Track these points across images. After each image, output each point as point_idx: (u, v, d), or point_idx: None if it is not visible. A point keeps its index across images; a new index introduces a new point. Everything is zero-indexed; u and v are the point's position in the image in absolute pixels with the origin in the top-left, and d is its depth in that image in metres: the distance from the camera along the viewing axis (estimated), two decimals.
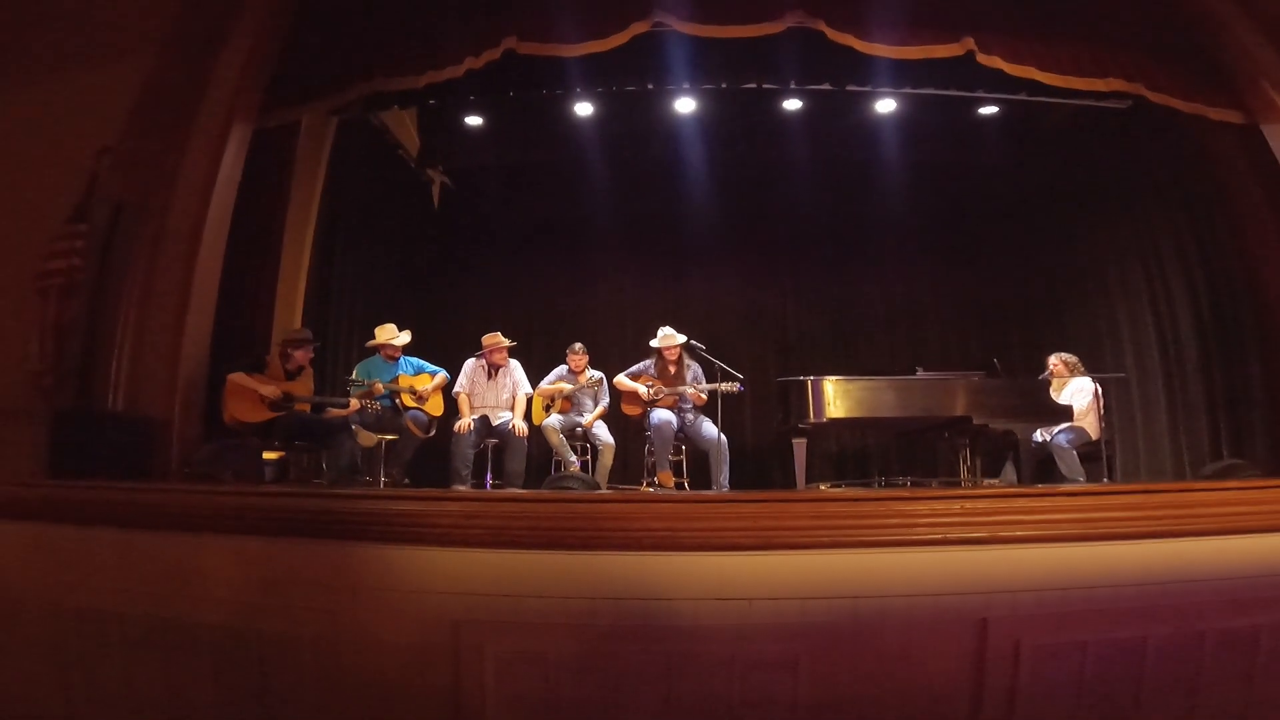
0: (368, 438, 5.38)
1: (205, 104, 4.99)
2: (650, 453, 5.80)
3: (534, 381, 5.91)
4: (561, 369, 6.00)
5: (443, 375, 5.66)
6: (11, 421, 4.43)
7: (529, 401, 5.80)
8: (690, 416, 5.74)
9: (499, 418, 5.64)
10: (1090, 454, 5.40)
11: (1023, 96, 5.92)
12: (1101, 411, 5.43)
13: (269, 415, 4.79)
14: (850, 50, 5.29)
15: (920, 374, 5.69)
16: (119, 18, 5.17)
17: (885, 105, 6.67)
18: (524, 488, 5.31)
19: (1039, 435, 5.44)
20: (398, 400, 5.43)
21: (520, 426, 5.50)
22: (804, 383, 5.37)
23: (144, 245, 4.77)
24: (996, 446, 5.78)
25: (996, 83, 5.70)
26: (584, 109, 6.73)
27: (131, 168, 4.88)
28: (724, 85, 6.13)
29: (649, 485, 5.82)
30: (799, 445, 5.43)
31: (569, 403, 5.89)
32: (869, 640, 2.42)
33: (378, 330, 5.61)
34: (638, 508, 2.59)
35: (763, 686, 2.39)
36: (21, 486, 3.16)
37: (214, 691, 2.61)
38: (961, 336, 8.00)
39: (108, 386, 4.56)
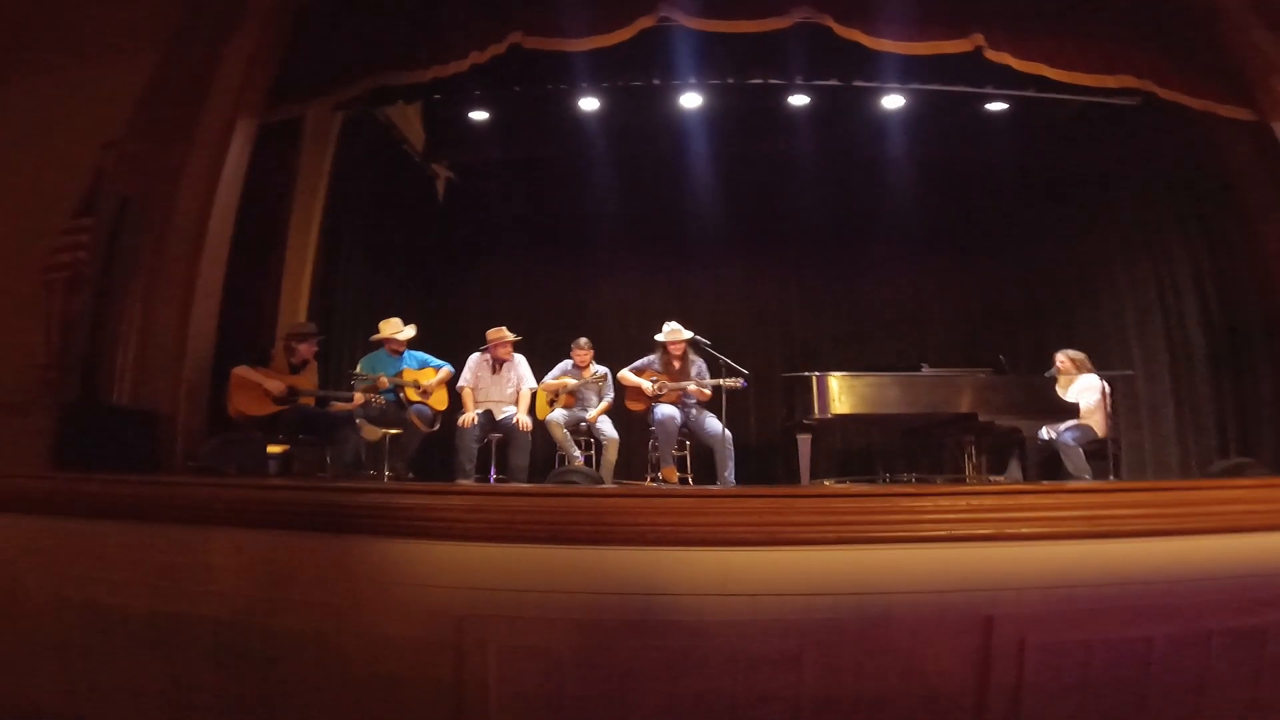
0: (372, 432, 5.39)
1: (210, 99, 4.98)
2: (654, 448, 5.80)
3: (538, 376, 5.90)
4: (566, 364, 5.99)
5: (447, 369, 5.66)
6: (17, 414, 4.45)
7: (533, 396, 5.80)
8: (694, 412, 5.73)
9: (503, 412, 5.64)
10: (1096, 452, 5.37)
11: (1031, 93, 5.86)
12: (1109, 409, 5.41)
13: (273, 409, 4.80)
14: (858, 46, 5.24)
15: (926, 370, 5.68)
16: (125, 13, 5.17)
17: (893, 101, 6.62)
18: (528, 482, 5.31)
19: (1045, 432, 5.43)
20: (402, 394, 5.43)
21: (524, 421, 5.50)
22: (809, 378, 5.37)
23: (149, 239, 4.77)
24: (1002, 444, 5.77)
25: (1005, 79, 5.65)
26: (589, 104, 6.71)
27: (137, 162, 4.88)
28: (730, 81, 6.08)
29: (653, 480, 5.82)
30: (804, 441, 5.43)
31: (573, 397, 5.89)
32: (874, 637, 2.41)
33: (382, 324, 5.61)
34: (642, 503, 2.59)
35: (766, 682, 2.38)
36: (27, 479, 3.17)
37: (218, 685, 2.61)
38: (968, 333, 7.95)
39: (113, 380, 4.57)
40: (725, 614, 2.40)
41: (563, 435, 5.60)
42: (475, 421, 5.44)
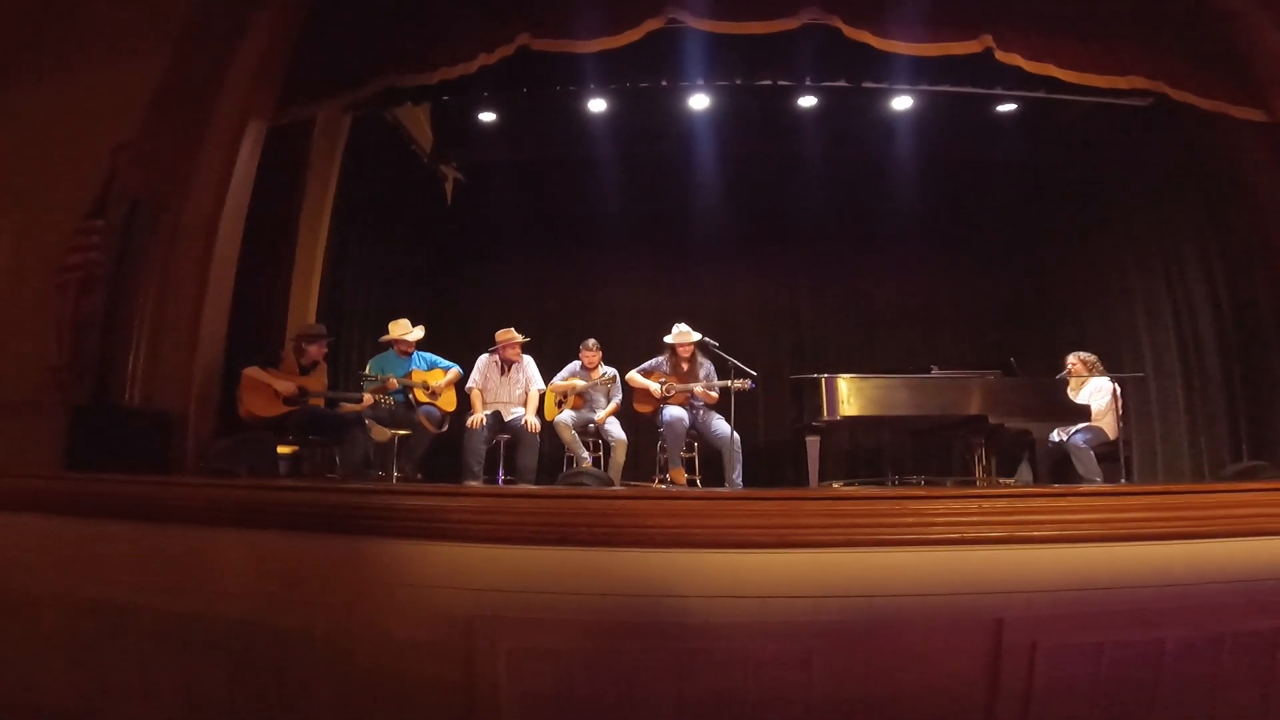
0: (381, 433, 5.40)
1: (221, 101, 5.01)
2: (662, 449, 5.80)
3: (547, 377, 5.91)
4: (574, 365, 6.00)
5: (456, 370, 5.68)
6: (29, 415, 4.47)
7: (542, 397, 5.81)
8: (703, 413, 5.72)
9: (512, 413, 5.65)
10: (1108, 454, 5.35)
11: (1041, 94, 5.85)
12: (1120, 411, 5.38)
13: (283, 410, 4.82)
14: (867, 47, 5.24)
15: (935, 372, 5.65)
16: (136, 15, 5.20)
17: (902, 102, 6.62)
18: (536, 484, 5.32)
19: (1055, 435, 5.40)
20: (411, 395, 5.45)
21: (533, 422, 5.50)
22: (818, 380, 5.35)
23: (161, 241, 4.80)
24: (1012, 446, 5.73)
25: (1014, 80, 5.65)
26: (598, 105, 6.72)
27: (148, 164, 4.91)
28: (739, 82, 6.09)
29: (661, 482, 5.82)
30: (812, 443, 5.42)
31: (582, 399, 5.89)
32: (883, 639, 2.40)
33: (391, 325, 5.63)
34: (651, 504, 2.58)
35: (776, 684, 2.37)
36: (39, 479, 3.18)
37: (228, 686, 2.62)
38: (977, 334, 7.93)
39: (125, 381, 4.59)
40: (734, 616, 2.40)
41: (571, 437, 5.61)
42: (484, 423, 5.45)
